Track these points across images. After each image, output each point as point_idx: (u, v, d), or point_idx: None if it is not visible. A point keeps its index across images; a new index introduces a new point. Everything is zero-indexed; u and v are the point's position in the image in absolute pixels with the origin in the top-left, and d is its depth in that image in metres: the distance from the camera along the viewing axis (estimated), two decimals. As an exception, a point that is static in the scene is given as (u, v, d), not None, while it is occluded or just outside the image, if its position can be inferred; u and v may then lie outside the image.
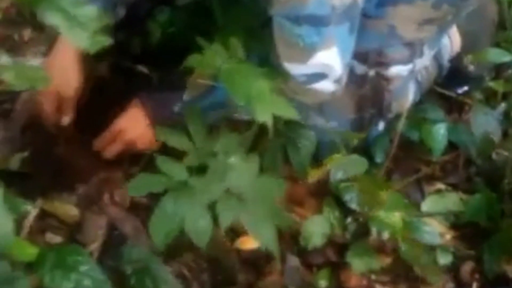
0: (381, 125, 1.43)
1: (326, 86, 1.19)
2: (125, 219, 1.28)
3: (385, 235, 1.26)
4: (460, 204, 1.37)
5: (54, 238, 1.25)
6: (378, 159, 1.43)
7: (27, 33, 1.56)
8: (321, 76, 1.16)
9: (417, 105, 1.50)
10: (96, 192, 1.31)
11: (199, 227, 1.11)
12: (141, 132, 1.28)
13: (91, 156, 1.34)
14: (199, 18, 1.49)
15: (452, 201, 1.37)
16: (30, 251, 1.08)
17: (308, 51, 1.11)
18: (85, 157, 1.35)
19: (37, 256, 1.05)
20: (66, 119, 1.32)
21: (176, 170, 1.14)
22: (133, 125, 1.29)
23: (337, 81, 1.19)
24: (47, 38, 1.56)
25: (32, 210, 1.21)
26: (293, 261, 1.25)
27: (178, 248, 1.24)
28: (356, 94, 1.35)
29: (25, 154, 1.32)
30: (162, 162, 1.14)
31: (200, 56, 1.18)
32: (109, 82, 1.50)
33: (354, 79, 1.31)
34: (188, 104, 1.25)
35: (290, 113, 1.14)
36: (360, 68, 1.33)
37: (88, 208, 1.28)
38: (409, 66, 1.35)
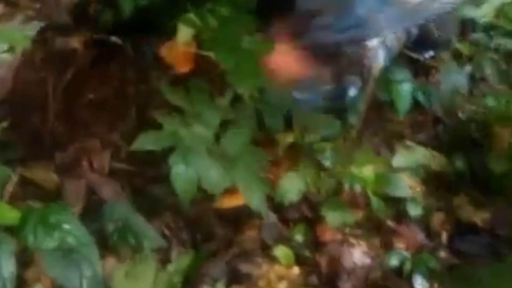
0: (352, 91, 1.46)
1: None
2: (104, 184, 1.30)
3: (357, 189, 1.31)
4: (428, 158, 1.42)
5: (35, 204, 1.27)
6: (352, 120, 1.46)
7: (0, 8, 1.57)
8: None
9: (386, 68, 1.54)
10: (74, 159, 1.33)
11: (213, 178, 1.17)
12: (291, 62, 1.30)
13: (69, 125, 1.37)
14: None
15: (420, 155, 1.42)
16: (12, 215, 1.11)
17: None
18: (63, 125, 1.37)
19: (20, 217, 1.07)
20: None
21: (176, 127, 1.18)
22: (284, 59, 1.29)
23: None
24: (20, 13, 1.58)
25: (12, 177, 1.23)
26: (271, 217, 1.29)
27: (156, 209, 1.28)
28: (334, 66, 1.39)
29: (4, 124, 1.33)
30: (163, 119, 1.17)
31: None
32: (81, 55, 1.52)
33: (331, 51, 1.34)
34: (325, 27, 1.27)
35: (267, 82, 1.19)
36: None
37: (67, 174, 1.31)
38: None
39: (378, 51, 1.46)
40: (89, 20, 1.57)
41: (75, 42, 1.53)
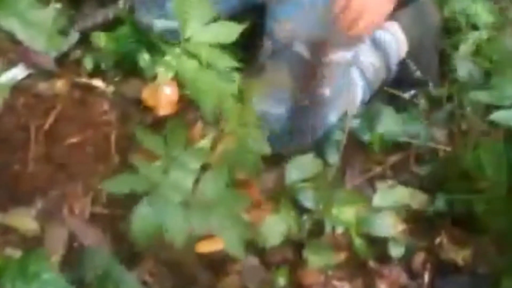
0: (332, 116, 1.45)
1: None
2: (85, 230, 1.30)
3: (339, 230, 1.32)
4: (409, 197, 1.43)
5: (14, 253, 1.26)
6: (331, 159, 1.47)
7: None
8: None
9: (367, 105, 1.56)
10: (55, 204, 1.33)
11: (176, 227, 1.15)
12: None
13: (50, 169, 1.37)
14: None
15: (401, 195, 1.43)
16: (-10, 263, 1.10)
17: None
18: (44, 170, 1.37)
19: (0, 266, 1.07)
20: None
21: (151, 171, 1.18)
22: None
23: None
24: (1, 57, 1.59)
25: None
26: (252, 260, 1.28)
27: (137, 255, 1.27)
28: (293, 76, 1.38)
29: (-18, 169, 1.33)
30: (139, 163, 1.18)
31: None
32: (63, 99, 1.53)
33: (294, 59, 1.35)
34: None
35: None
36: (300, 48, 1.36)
37: (47, 221, 1.30)
38: (351, 53, 1.39)
39: (354, 79, 1.48)
40: (71, 64, 1.59)
41: (57, 86, 1.54)
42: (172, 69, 1.31)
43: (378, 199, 1.41)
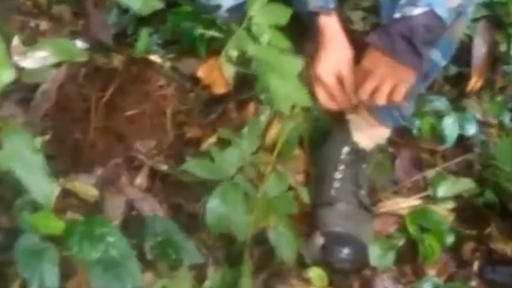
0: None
1: None
2: (143, 200, 1.33)
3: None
4: (460, 187, 1.43)
5: (75, 217, 1.30)
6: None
7: (43, 24, 1.61)
8: None
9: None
10: (114, 174, 1.36)
11: (241, 223, 1.19)
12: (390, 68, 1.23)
13: (109, 140, 1.40)
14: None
15: (452, 185, 1.43)
16: (56, 225, 1.13)
17: None
18: (103, 140, 1.41)
19: (66, 228, 1.10)
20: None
21: (224, 160, 1.22)
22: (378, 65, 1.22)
23: None
24: (62, 29, 1.63)
25: (54, 189, 1.25)
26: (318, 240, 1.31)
27: (193, 226, 1.30)
28: None
29: (46, 137, 1.36)
30: (217, 154, 1.22)
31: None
32: (122, 73, 1.56)
33: None
34: None
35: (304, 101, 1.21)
36: None
37: (107, 188, 1.34)
38: None
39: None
40: (128, 38, 1.62)
41: (116, 60, 1.57)
42: (236, 48, 1.34)
43: (432, 189, 1.42)
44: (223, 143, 1.32)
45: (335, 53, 1.29)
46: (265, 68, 1.18)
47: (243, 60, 1.39)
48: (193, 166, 1.23)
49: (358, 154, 1.39)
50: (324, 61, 1.29)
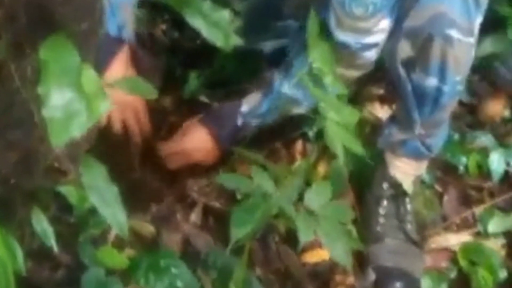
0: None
1: (372, 54, 1.28)
2: (198, 236, 1.36)
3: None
4: (509, 222, 1.45)
5: (132, 253, 1.33)
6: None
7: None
8: (375, 45, 1.25)
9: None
10: (169, 210, 1.40)
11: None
12: (207, 152, 1.39)
13: (163, 178, 1.44)
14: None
15: (503, 220, 1.45)
16: (120, 259, 1.18)
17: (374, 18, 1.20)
18: (158, 179, 1.45)
19: (132, 261, 1.14)
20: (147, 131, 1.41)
21: (263, 179, 1.23)
22: (200, 147, 1.39)
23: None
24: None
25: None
26: (370, 275, 1.33)
27: (247, 261, 1.32)
28: None
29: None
30: (255, 172, 1.23)
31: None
32: (173, 113, 1.61)
33: None
34: (248, 115, 1.36)
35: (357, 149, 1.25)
36: None
37: (163, 225, 1.37)
38: None
39: None
40: (177, 80, 1.68)
41: (166, 101, 1.63)
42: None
43: (481, 225, 1.44)
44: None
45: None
46: (325, 112, 1.22)
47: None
48: (226, 180, 1.26)
49: (397, 189, 1.42)
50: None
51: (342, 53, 1.26)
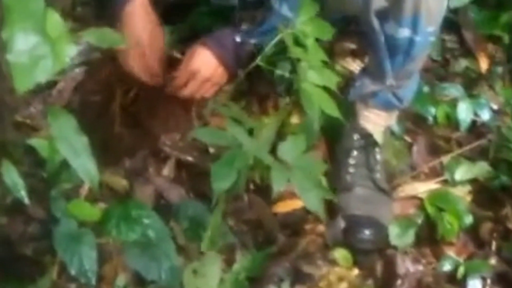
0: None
1: None
2: (171, 188, 1.38)
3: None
4: (475, 171, 1.48)
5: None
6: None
7: (66, 25, 1.65)
8: None
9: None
10: (142, 164, 1.41)
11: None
12: (214, 69, 1.36)
13: (135, 132, 1.45)
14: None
15: (470, 169, 1.48)
16: (92, 211, 1.19)
17: None
18: (129, 133, 1.45)
19: (103, 213, 1.15)
20: (157, 79, 1.38)
21: (238, 132, 1.24)
22: (206, 65, 1.36)
23: None
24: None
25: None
26: (340, 223, 1.36)
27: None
28: None
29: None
30: (230, 125, 1.24)
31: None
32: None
33: None
34: (247, 33, 1.36)
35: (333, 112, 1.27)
36: None
37: (135, 179, 1.38)
38: None
39: None
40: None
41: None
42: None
43: (448, 174, 1.47)
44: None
45: (135, 20, 1.34)
46: (303, 73, 1.23)
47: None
48: (201, 134, 1.27)
49: (367, 139, 1.44)
50: (124, 26, 1.33)
51: None
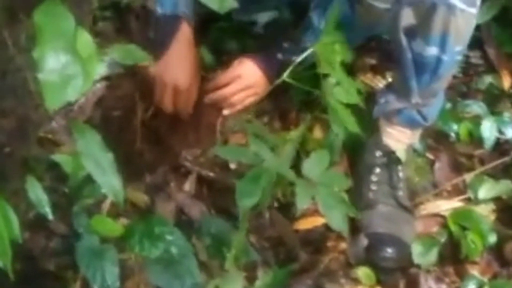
0: None
1: None
2: (192, 204, 1.37)
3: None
4: (499, 189, 1.47)
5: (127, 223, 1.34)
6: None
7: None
8: None
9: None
10: (163, 180, 1.41)
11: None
12: (257, 78, 1.42)
13: (157, 148, 1.45)
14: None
15: (494, 187, 1.47)
16: (114, 227, 1.18)
17: None
18: (151, 149, 1.46)
19: (126, 229, 1.14)
20: (184, 114, 1.43)
21: (260, 148, 1.23)
22: (250, 72, 1.42)
23: None
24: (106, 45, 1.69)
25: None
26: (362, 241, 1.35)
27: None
28: None
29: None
30: (252, 141, 1.23)
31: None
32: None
33: None
34: (289, 50, 1.39)
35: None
36: None
37: (157, 194, 1.38)
38: None
39: None
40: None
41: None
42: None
43: (472, 192, 1.46)
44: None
45: (179, 60, 1.39)
46: (330, 89, 1.23)
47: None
48: (223, 152, 1.27)
49: (390, 156, 1.44)
50: (166, 65, 1.38)
51: None
